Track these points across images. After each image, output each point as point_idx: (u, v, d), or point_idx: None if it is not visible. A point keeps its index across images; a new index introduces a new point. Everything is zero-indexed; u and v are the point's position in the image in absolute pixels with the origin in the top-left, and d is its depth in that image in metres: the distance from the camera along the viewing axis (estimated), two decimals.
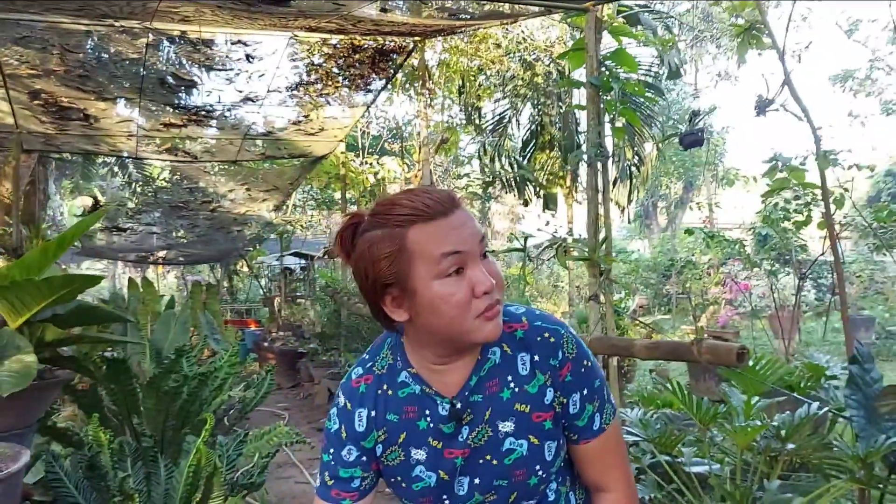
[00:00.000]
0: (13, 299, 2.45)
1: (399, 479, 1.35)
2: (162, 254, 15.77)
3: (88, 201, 11.94)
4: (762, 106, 2.83)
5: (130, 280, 5.84)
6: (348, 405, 1.36)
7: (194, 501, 2.33)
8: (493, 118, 9.40)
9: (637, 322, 7.43)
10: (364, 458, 1.35)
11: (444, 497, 1.33)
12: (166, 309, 5.39)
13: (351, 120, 7.80)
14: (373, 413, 1.34)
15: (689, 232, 6.21)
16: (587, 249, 4.31)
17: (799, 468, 3.19)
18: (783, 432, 2.63)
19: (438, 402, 1.29)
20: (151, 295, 5.85)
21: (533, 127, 9.04)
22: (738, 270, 11.26)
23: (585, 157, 4.12)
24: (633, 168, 9.09)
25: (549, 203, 9.47)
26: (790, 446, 2.70)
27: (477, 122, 9.11)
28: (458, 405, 1.28)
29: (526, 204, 9.52)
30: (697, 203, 16.75)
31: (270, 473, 5.52)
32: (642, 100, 7.48)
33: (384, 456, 1.35)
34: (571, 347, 1.29)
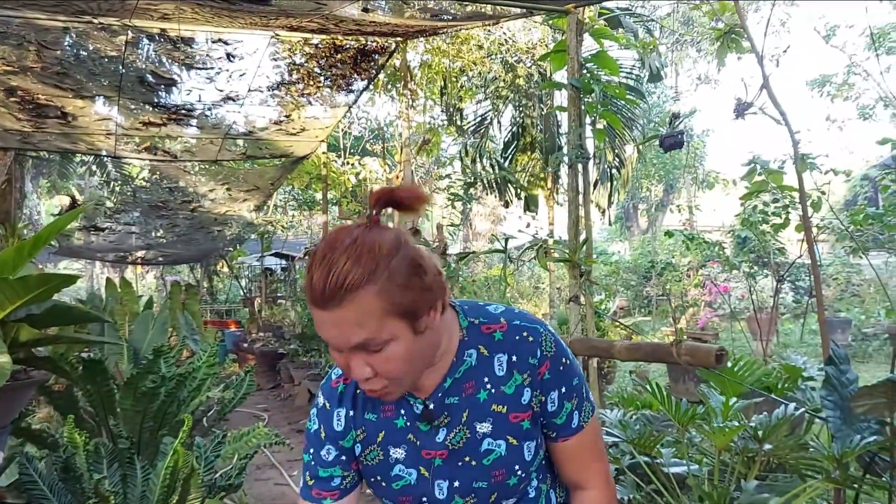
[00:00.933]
0: None
1: (379, 478, 1.35)
2: (141, 254, 15.63)
3: (66, 200, 11.82)
4: (741, 109, 2.86)
5: (108, 280, 5.78)
6: (327, 405, 1.37)
7: (171, 503, 2.31)
8: (474, 119, 9.41)
9: (617, 324, 7.47)
10: (343, 458, 1.35)
11: (424, 498, 1.32)
12: (144, 309, 5.33)
13: (332, 120, 7.77)
14: (351, 412, 1.34)
15: (668, 234, 6.24)
16: (567, 251, 4.33)
17: (776, 469, 3.21)
18: (760, 433, 2.65)
19: (412, 402, 1.30)
20: (129, 295, 5.79)
21: (514, 129, 9.06)
22: (718, 273, 11.36)
23: (566, 158, 4.14)
24: (614, 170, 9.14)
25: (531, 205, 9.49)
26: (767, 447, 2.73)
27: (458, 123, 9.11)
28: (432, 406, 1.29)
29: (507, 205, 9.53)
30: (678, 206, 16.84)
31: (250, 475, 5.48)
32: (623, 103, 7.52)
33: (363, 455, 1.35)
34: (550, 345, 1.29)
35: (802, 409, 2.77)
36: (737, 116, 2.93)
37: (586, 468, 1.36)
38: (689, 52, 17.54)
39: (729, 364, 3.31)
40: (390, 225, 1.18)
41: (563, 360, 1.30)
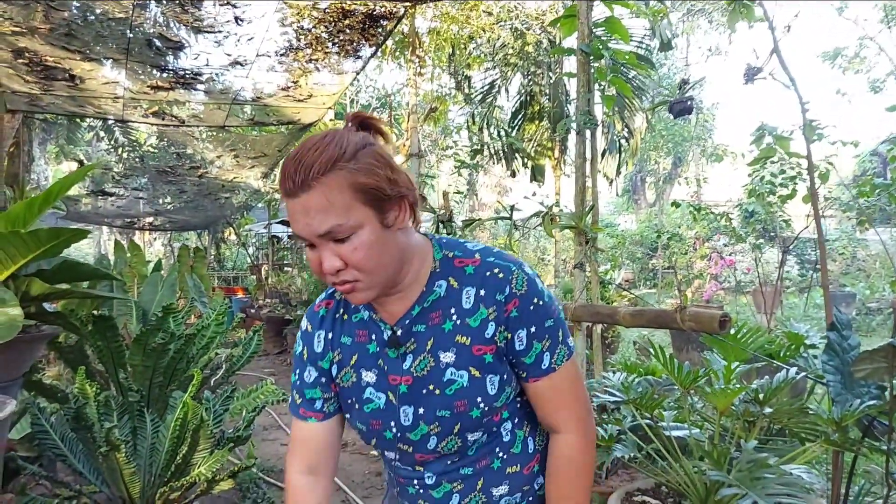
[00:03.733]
0: None
1: (352, 400, 1.41)
2: (149, 220, 15.68)
3: (74, 166, 11.81)
4: (750, 74, 2.84)
5: (117, 243, 5.82)
6: (309, 328, 1.45)
7: (180, 454, 2.35)
8: (482, 87, 9.34)
9: (623, 293, 7.49)
10: (323, 380, 1.43)
11: (392, 423, 1.36)
12: (153, 272, 5.37)
13: (339, 87, 7.74)
14: (329, 335, 1.42)
15: (675, 204, 6.23)
16: (574, 218, 4.34)
17: (777, 433, 3.25)
18: (761, 396, 2.68)
19: (382, 327, 1.35)
20: (138, 258, 5.83)
21: (522, 97, 9.00)
22: (723, 246, 11.35)
23: (574, 124, 4.13)
24: (623, 141, 9.09)
25: (537, 174, 9.45)
26: (768, 410, 2.75)
27: (466, 91, 9.05)
28: (399, 332, 1.33)
29: (513, 175, 9.49)
30: (685, 178, 16.78)
31: (258, 435, 5.57)
32: (634, 72, 7.46)
33: (339, 377, 1.42)
34: (521, 284, 1.28)
35: (803, 374, 2.79)
36: (746, 81, 2.92)
37: (559, 411, 1.36)
38: (701, 24, 17.33)
39: (732, 331, 3.34)
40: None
41: (536, 300, 1.29)
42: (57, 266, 2.82)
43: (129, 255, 5.82)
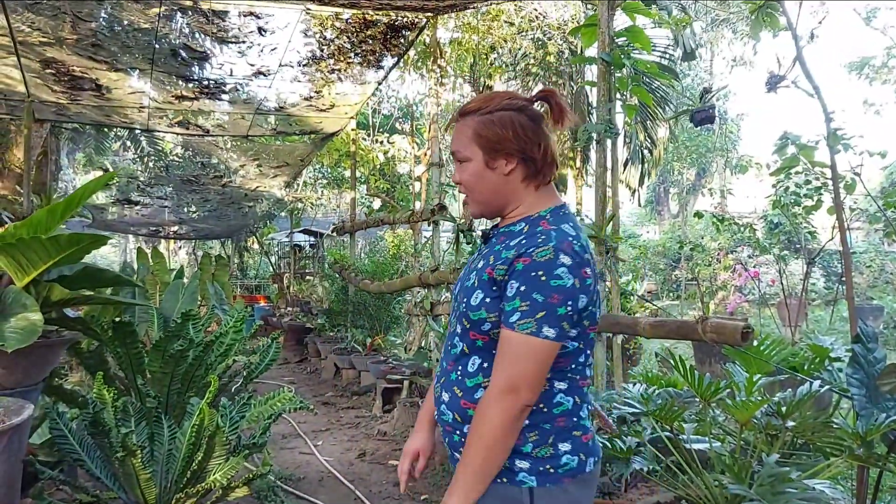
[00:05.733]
0: (20, 257, 2.47)
1: None
2: (174, 228, 15.83)
3: (100, 174, 11.95)
4: (773, 82, 2.81)
5: (140, 250, 5.88)
6: None
7: (196, 460, 2.35)
8: None
9: (644, 304, 7.42)
10: None
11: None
12: (175, 279, 5.41)
13: (362, 97, 7.78)
14: None
15: (698, 215, 6.17)
16: (593, 227, 4.31)
17: (801, 447, 3.19)
18: (784, 409, 2.63)
19: (489, 229, 1.77)
20: (160, 265, 5.88)
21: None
22: (748, 257, 11.22)
23: (594, 133, 4.10)
24: (646, 151, 9.02)
25: (559, 184, 9.40)
26: (790, 424, 2.71)
27: None
28: (491, 235, 1.73)
29: None
30: (709, 189, 16.61)
31: (276, 444, 5.57)
32: (657, 82, 7.41)
33: None
34: (543, 254, 1.51)
35: (827, 387, 2.73)
36: (769, 89, 2.88)
37: (497, 365, 1.53)
38: (725, 33, 17.19)
39: (755, 343, 3.29)
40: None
41: (541, 272, 1.49)
42: (78, 272, 2.84)
43: (151, 262, 5.87)
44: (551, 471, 1.55)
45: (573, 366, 1.60)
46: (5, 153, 8.21)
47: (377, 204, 11.52)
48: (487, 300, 1.57)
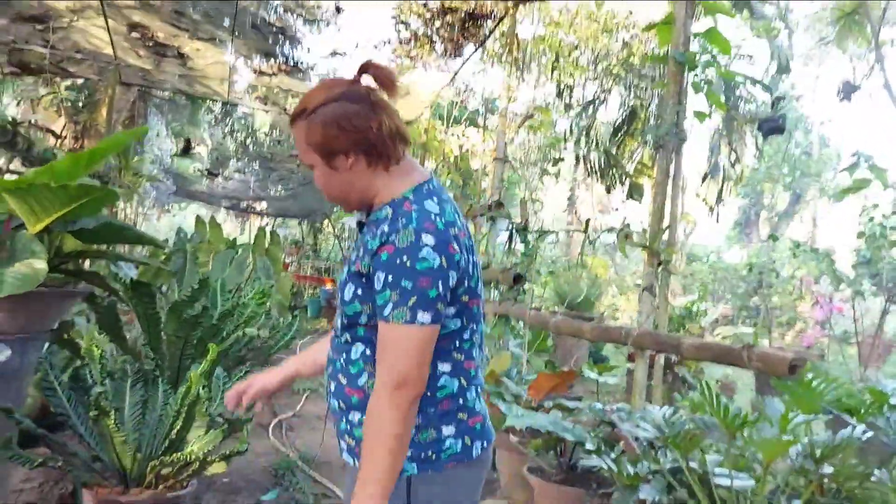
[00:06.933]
0: (32, 203, 2.45)
1: None
2: (255, 204, 16.18)
3: (182, 142, 12.31)
4: (848, 90, 2.53)
5: (198, 218, 5.95)
6: None
7: (175, 430, 2.29)
8: (584, 98, 9.05)
9: (702, 327, 7.05)
10: None
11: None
12: (227, 250, 5.44)
13: (438, 86, 7.69)
14: None
15: (773, 238, 5.79)
16: (647, 237, 4.06)
17: (843, 499, 2.88)
18: (818, 452, 2.36)
19: (361, 219, 1.70)
20: (216, 235, 5.93)
21: (625, 111, 8.66)
22: (833, 290, 10.54)
23: (658, 137, 3.86)
24: (730, 166, 8.58)
25: (634, 193, 9.06)
26: (827, 469, 2.43)
27: (567, 101, 8.80)
28: (363, 225, 1.67)
29: (608, 191, 9.15)
30: (801, 217, 15.79)
31: (307, 423, 5.54)
32: (745, 93, 7.00)
33: None
34: (404, 239, 1.49)
35: (871, 433, 2.44)
36: (843, 98, 2.60)
37: (379, 362, 1.52)
38: (831, 51, 16.28)
39: (809, 377, 3.00)
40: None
41: (405, 258, 1.47)
42: (99, 226, 2.82)
43: (208, 231, 5.93)
44: (433, 456, 1.55)
45: (457, 344, 1.60)
46: (93, 113, 8.48)
47: None
48: (359, 292, 1.56)
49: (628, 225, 4.38)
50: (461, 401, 1.59)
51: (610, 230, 4.36)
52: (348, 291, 1.58)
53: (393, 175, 1.61)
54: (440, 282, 1.48)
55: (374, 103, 1.57)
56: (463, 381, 1.60)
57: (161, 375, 2.67)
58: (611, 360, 7.84)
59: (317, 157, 1.59)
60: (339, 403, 1.63)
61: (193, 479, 2.47)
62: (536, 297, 7.18)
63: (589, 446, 2.99)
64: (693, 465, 2.58)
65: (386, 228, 1.52)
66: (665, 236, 4.05)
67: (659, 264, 4.01)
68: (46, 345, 3.08)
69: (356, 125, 1.54)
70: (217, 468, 2.40)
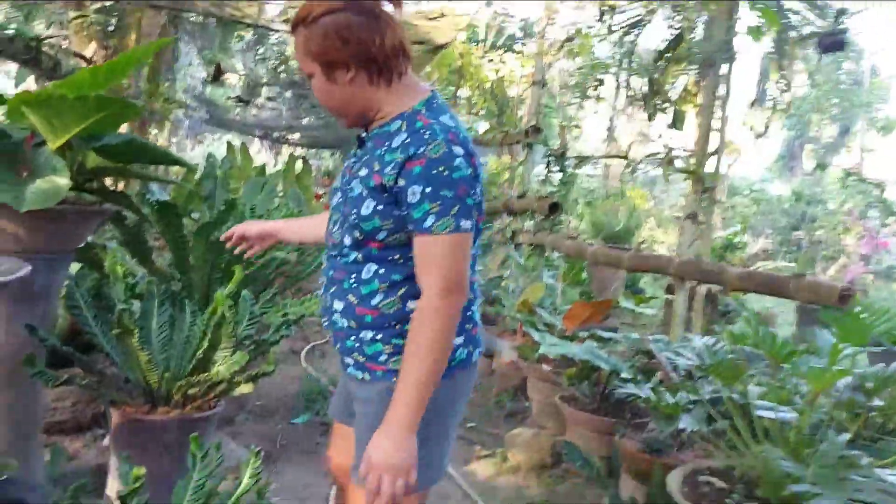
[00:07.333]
0: (51, 117, 2.37)
1: None
2: (286, 133, 16.08)
3: (213, 68, 12.15)
4: None
5: (229, 144, 5.88)
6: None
7: (201, 350, 2.25)
8: (626, 20, 8.66)
9: (744, 261, 6.86)
10: None
11: (333, 199, 1.71)
12: (257, 174, 5.37)
13: (473, 8, 7.41)
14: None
15: (821, 167, 5.54)
16: (692, 162, 3.88)
17: (890, 432, 2.77)
18: (869, 384, 2.24)
19: (363, 133, 1.67)
20: (247, 161, 5.87)
21: (670, 34, 8.27)
22: (881, 225, 10.21)
23: (705, 55, 3.64)
24: (777, 92, 8.20)
25: (677, 121, 8.73)
26: (876, 402, 2.32)
27: (609, 23, 8.45)
28: (364, 138, 1.65)
29: (650, 118, 8.83)
30: (849, 148, 15.21)
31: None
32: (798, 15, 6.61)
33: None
34: (436, 150, 1.46)
35: None
36: None
37: (424, 274, 1.50)
38: None
39: (857, 309, 2.86)
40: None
41: (442, 168, 1.46)
42: (122, 143, 2.74)
43: (239, 157, 5.86)
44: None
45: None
46: (123, 38, 8.36)
47: (483, 127, 11.19)
48: (380, 208, 1.53)
49: (672, 150, 4.19)
50: (468, 312, 1.65)
51: (652, 156, 4.18)
52: (366, 207, 1.53)
53: (395, 90, 1.57)
54: (472, 190, 1.50)
55: (379, 16, 1.52)
56: (470, 294, 1.62)
57: (189, 297, 2.63)
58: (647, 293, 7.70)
59: (316, 67, 1.54)
60: (348, 322, 1.62)
61: (221, 399, 2.45)
62: (572, 230, 7.04)
63: (625, 375, 2.91)
64: (733, 395, 2.48)
65: (409, 141, 1.49)
66: (711, 162, 3.87)
67: (703, 191, 3.84)
68: (77, 267, 3.07)
69: (359, 38, 1.50)
70: (244, 389, 2.37)
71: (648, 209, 12.15)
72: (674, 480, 2.38)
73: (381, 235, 1.54)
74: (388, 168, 1.50)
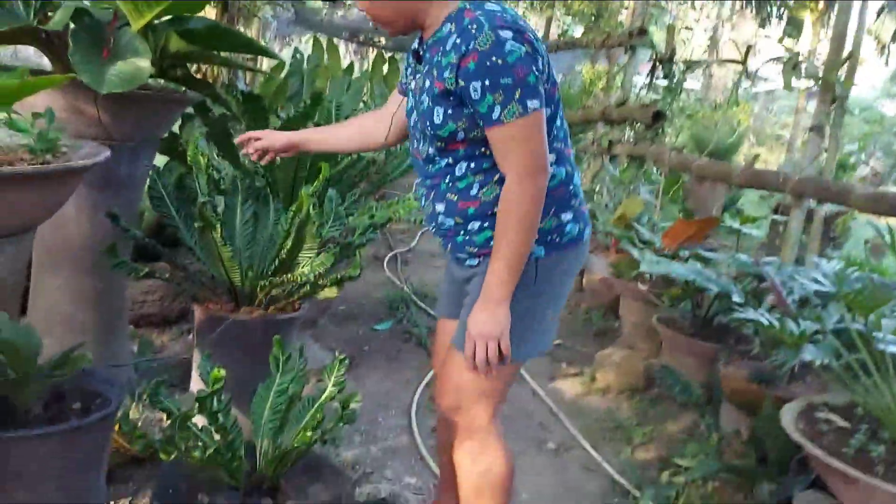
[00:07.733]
0: None
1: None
2: (375, 36, 15.79)
3: None
4: None
5: (315, 40, 5.68)
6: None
7: (285, 248, 2.13)
8: None
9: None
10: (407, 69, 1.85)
11: (410, 120, 1.74)
12: (344, 73, 5.19)
13: None
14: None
15: None
16: (824, 68, 3.47)
17: None
18: None
19: (417, 47, 1.69)
20: (334, 59, 5.68)
21: None
22: None
23: None
24: None
25: (793, 29, 8.02)
26: None
27: None
28: (421, 52, 1.66)
29: (762, 25, 8.15)
30: None
31: (424, 263, 5.45)
32: None
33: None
34: (485, 42, 1.46)
35: None
36: None
37: (505, 159, 1.54)
38: None
39: None
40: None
41: (495, 58, 1.45)
42: (207, 28, 2.61)
43: (326, 55, 5.67)
44: (557, 240, 1.66)
45: (554, 132, 1.62)
46: None
47: (580, 32, 10.63)
48: (450, 111, 1.55)
49: (797, 54, 3.77)
50: (571, 187, 1.67)
51: (776, 59, 3.76)
52: (437, 116, 1.56)
53: None
54: (533, 66, 1.49)
55: None
56: (568, 168, 1.67)
57: (273, 194, 2.51)
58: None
59: None
60: (454, 220, 1.68)
61: (305, 302, 2.36)
62: (672, 145, 6.62)
63: (736, 299, 2.67)
64: (862, 327, 2.22)
65: (458, 41, 1.50)
66: (844, 68, 3.45)
67: (833, 101, 3.44)
68: (164, 161, 2.99)
69: None
70: (329, 293, 2.26)
71: (749, 126, 11.44)
72: (788, 415, 2.17)
73: (461, 136, 1.58)
74: (447, 72, 1.51)
